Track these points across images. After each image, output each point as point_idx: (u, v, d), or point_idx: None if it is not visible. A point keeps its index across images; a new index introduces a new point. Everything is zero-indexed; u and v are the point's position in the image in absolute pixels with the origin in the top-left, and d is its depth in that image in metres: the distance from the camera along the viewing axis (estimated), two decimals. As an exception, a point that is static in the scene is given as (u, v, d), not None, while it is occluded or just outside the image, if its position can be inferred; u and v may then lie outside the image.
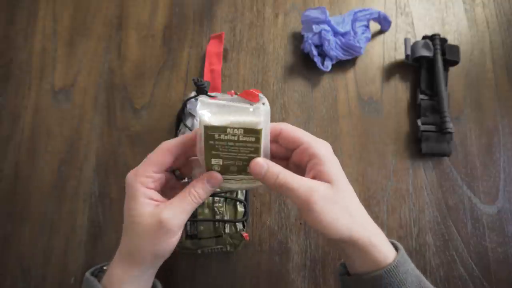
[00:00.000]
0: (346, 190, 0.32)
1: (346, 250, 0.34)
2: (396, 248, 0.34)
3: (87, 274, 0.34)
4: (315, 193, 0.30)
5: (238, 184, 0.34)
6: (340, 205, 0.31)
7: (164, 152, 0.32)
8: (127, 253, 0.32)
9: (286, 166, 0.33)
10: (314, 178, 0.32)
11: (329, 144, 0.34)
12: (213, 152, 0.31)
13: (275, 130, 0.33)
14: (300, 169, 0.34)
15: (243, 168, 0.32)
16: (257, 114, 0.30)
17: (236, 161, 0.32)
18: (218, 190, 0.41)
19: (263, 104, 0.31)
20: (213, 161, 0.32)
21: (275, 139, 0.34)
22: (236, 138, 0.30)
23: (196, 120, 0.49)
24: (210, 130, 0.30)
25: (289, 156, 0.35)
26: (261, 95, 0.31)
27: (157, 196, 0.32)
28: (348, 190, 0.33)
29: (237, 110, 0.30)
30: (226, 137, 0.30)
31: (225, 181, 0.33)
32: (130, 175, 0.32)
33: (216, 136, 0.30)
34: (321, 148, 0.32)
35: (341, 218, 0.31)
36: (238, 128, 0.30)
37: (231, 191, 0.46)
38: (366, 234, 0.32)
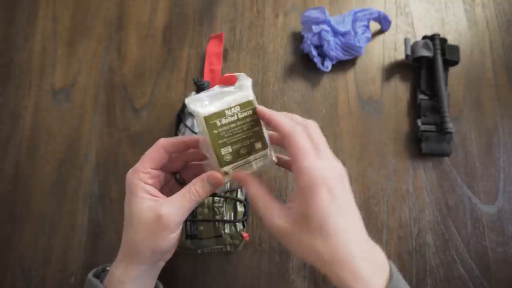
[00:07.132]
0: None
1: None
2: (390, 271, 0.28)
3: (89, 275, 0.34)
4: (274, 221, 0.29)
5: (253, 166, 0.34)
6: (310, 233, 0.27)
7: (159, 149, 0.33)
8: (126, 250, 0.32)
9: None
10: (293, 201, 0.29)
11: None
12: (220, 142, 0.32)
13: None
14: None
15: (252, 147, 0.33)
16: (244, 88, 0.32)
17: (243, 141, 0.33)
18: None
19: (244, 79, 0.33)
20: (223, 150, 0.32)
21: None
22: (235, 117, 0.32)
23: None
24: (211, 119, 0.31)
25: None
26: (237, 74, 0.33)
27: (156, 192, 0.33)
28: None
29: (225, 93, 0.32)
30: (227, 120, 0.32)
31: (241, 168, 0.33)
32: (129, 172, 0.33)
33: (218, 123, 0.31)
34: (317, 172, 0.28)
35: (310, 244, 0.27)
36: (234, 107, 0.32)
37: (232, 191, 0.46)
38: (345, 266, 0.26)
